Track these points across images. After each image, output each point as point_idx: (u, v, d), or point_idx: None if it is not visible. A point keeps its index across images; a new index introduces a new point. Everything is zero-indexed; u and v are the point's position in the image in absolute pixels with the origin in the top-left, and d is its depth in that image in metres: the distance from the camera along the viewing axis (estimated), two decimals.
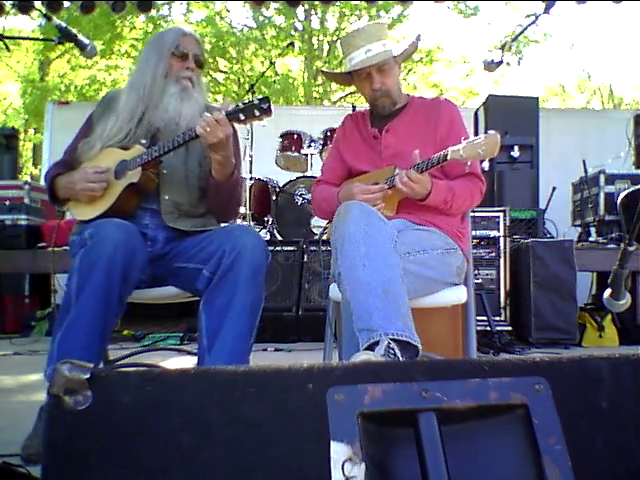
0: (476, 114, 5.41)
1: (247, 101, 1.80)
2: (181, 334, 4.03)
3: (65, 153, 2.09)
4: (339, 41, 2.18)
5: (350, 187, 2.00)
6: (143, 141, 1.96)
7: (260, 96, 1.80)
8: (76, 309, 1.62)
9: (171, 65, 1.98)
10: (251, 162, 4.85)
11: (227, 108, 1.78)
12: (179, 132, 1.91)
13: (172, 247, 1.93)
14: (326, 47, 14.15)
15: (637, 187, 4.24)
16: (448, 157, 1.84)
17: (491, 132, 1.80)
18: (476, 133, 5.13)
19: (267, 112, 1.76)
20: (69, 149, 2.06)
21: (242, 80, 13.84)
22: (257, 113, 1.76)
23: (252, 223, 4.62)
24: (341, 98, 14.19)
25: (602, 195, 4.47)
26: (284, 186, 4.76)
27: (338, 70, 2.37)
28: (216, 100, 13.90)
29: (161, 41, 2.01)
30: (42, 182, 4.71)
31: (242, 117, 1.78)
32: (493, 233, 4.01)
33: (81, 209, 1.97)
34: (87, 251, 1.65)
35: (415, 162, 1.87)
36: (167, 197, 1.94)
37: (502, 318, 3.91)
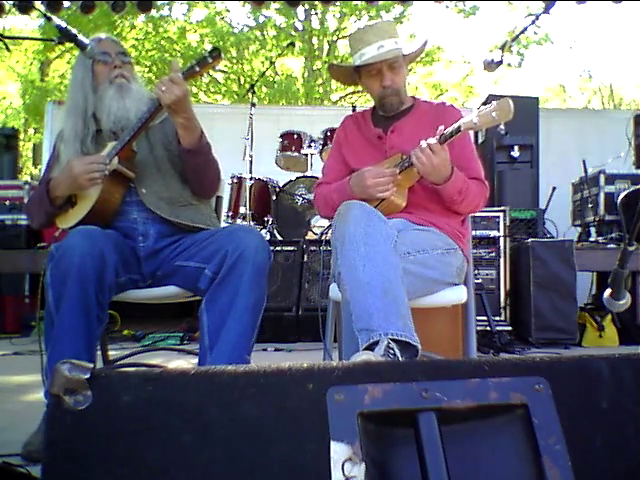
0: None
1: (198, 57, 1.87)
2: (181, 334, 4.02)
3: (40, 183, 2.09)
4: (349, 36, 2.17)
5: (361, 172, 1.97)
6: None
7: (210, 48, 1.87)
8: (57, 325, 1.64)
9: (98, 72, 1.99)
10: (251, 162, 4.85)
11: (176, 67, 1.82)
12: (132, 124, 1.92)
13: (168, 243, 1.92)
14: (326, 47, 14.15)
15: (637, 187, 4.24)
16: (461, 128, 1.82)
17: (501, 99, 1.78)
18: (476, 132, 5.13)
19: (218, 58, 1.82)
20: (43, 179, 2.06)
21: (242, 80, 13.84)
22: (209, 60, 1.81)
23: (252, 223, 4.62)
24: (341, 98, 14.19)
25: (602, 195, 4.47)
26: (284, 186, 4.75)
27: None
28: (216, 100, 13.92)
29: (82, 56, 2.01)
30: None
31: (197, 69, 1.82)
32: (493, 233, 4.01)
33: (68, 218, 1.96)
34: (55, 265, 1.66)
35: (439, 134, 1.85)
36: (144, 190, 1.95)
37: (502, 318, 3.90)
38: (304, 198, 4.64)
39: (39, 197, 1.98)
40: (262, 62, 13.47)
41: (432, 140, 1.83)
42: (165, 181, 1.98)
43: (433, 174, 1.86)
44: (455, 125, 1.84)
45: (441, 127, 1.86)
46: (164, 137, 2.01)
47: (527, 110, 4.86)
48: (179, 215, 1.95)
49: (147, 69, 13.28)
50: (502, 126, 4.37)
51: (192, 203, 2.02)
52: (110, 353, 2.16)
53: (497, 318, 3.86)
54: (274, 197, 4.71)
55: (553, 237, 4.50)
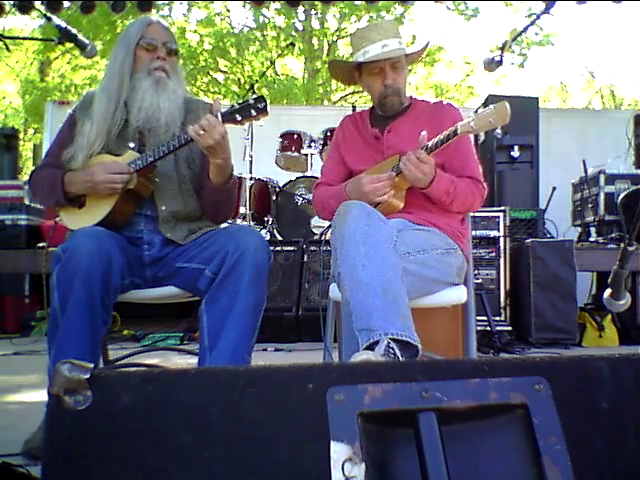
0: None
1: (242, 101, 1.76)
2: (181, 334, 4.02)
3: (48, 155, 2.02)
4: (351, 35, 2.17)
5: (358, 178, 1.98)
6: (131, 145, 1.91)
7: (256, 95, 1.77)
8: (62, 326, 1.62)
9: (139, 58, 1.89)
10: (251, 162, 4.85)
11: (218, 107, 1.74)
12: (161, 128, 1.87)
13: (171, 249, 1.92)
14: (326, 47, 14.15)
15: (637, 187, 4.24)
16: (458, 131, 1.83)
17: (498, 103, 1.79)
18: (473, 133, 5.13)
19: (263, 112, 1.73)
20: (52, 152, 1.99)
21: (242, 80, 13.85)
22: (254, 113, 1.74)
23: (252, 223, 4.62)
24: (341, 98, 14.19)
25: (602, 195, 4.47)
26: (284, 186, 4.76)
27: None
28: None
29: (126, 35, 1.92)
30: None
31: (239, 118, 1.74)
32: (493, 233, 4.01)
33: (75, 218, 1.92)
34: (62, 266, 1.64)
35: (423, 144, 1.86)
36: (164, 208, 1.90)
37: (502, 318, 3.90)
38: (304, 198, 4.64)
39: (52, 182, 1.89)
40: (262, 62, 13.48)
41: (420, 151, 1.84)
42: (184, 200, 1.94)
43: (420, 181, 1.88)
44: (451, 129, 1.85)
45: (423, 133, 1.87)
46: (189, 154, 1.94)
47: (527, 110, 4.87)
48: (188, 230, 1.93)
49: None
50: (499, 130, 4.38)
51: (198, 218, 2.00)
52: (110, 353, 2.15)
53: (497, 318, 3.86)
54: (274, 197, 4.71)
55: (553, 237, 4.50)
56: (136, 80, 1.89)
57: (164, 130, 1.88)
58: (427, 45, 2.14)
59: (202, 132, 1.71)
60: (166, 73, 1.90)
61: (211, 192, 1.90)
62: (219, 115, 1.74)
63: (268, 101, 1.76)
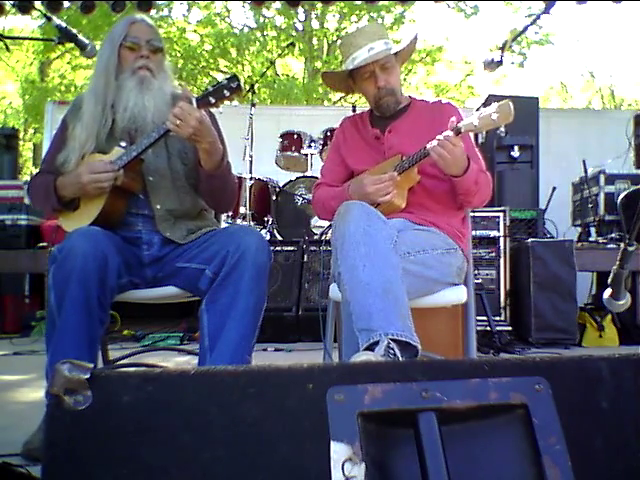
0: None
1: (215, 83, 1.76)
2: (181, 334, 4.02)
3: (44, 162, 2.03)
4: (339, 43, 2.18)
5: (360, 179, 1.98)
6: (123, 144, 1.90)
7: (229, 74, 1.76)
8: (59, 326, 1.62)
9: (124, 57, 1.89)
10: (251, 162, 4.85)
11: (188, 94, 1.74)
12: (148, 126, 1.86)
13: (171, 249, 1.92)
14: (326, 47, 14.15)
15: (637, 187, 4.24)
16: (462, 130, 1.82)
17: (502, 102, 1.77)
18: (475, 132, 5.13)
19: (237, 90, 1.71)
20: (47, 158, 2.00)
21: (242, 80, 13.83)
22: (227, 93, 1.72)
23: (252, 223, 4.62)
24: (341, 98, 14.19)
25: (602, 195, 4.47)
26: (284, 186, 4.76)
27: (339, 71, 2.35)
28: None
29: (111, 35, 1.92)
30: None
31: (212, 100, 1.73)
32: (493, 233, 4.01)
33: (70, 221, 1.92)
34: (58, 266, 1.63)
35: (452, 127, 1.83)
36: (159, 206, 1.90)
37: (502, 318, 3.90)
38: (304, 198, 4.64)
39: (46, 189, 1.90)
40: (262, 63, 13.48)
41: (449, 132, 1.82)
42: (179, 197, 1.93)
43: (453, 166, 1.84)
44: (455, 128, 1.84)
45: (453, 119, 1.85)
46: (182, 147, 1.93)
47: (527, 110, 4.86)
48: (187, 229, 1.93)
49: None
50: (502, 128, 4.38)
51: (201, 210, 2.00)
52: (110, 353, 2.15)
53: (497, 318, 3.86)
54: (274, 197, 4.71)
55: (553, 237, 4.51)
56: (121, 80, 1.89)
57: (152, 128, 1.87)
58: (415, 38, 2.13)
59: (178, 121, 1.70)
60: (150, 72, 1.89)
61: (205, 179, 1.89)
62: (193, 101, 1.73)
63: (242, 81, 1.75)
